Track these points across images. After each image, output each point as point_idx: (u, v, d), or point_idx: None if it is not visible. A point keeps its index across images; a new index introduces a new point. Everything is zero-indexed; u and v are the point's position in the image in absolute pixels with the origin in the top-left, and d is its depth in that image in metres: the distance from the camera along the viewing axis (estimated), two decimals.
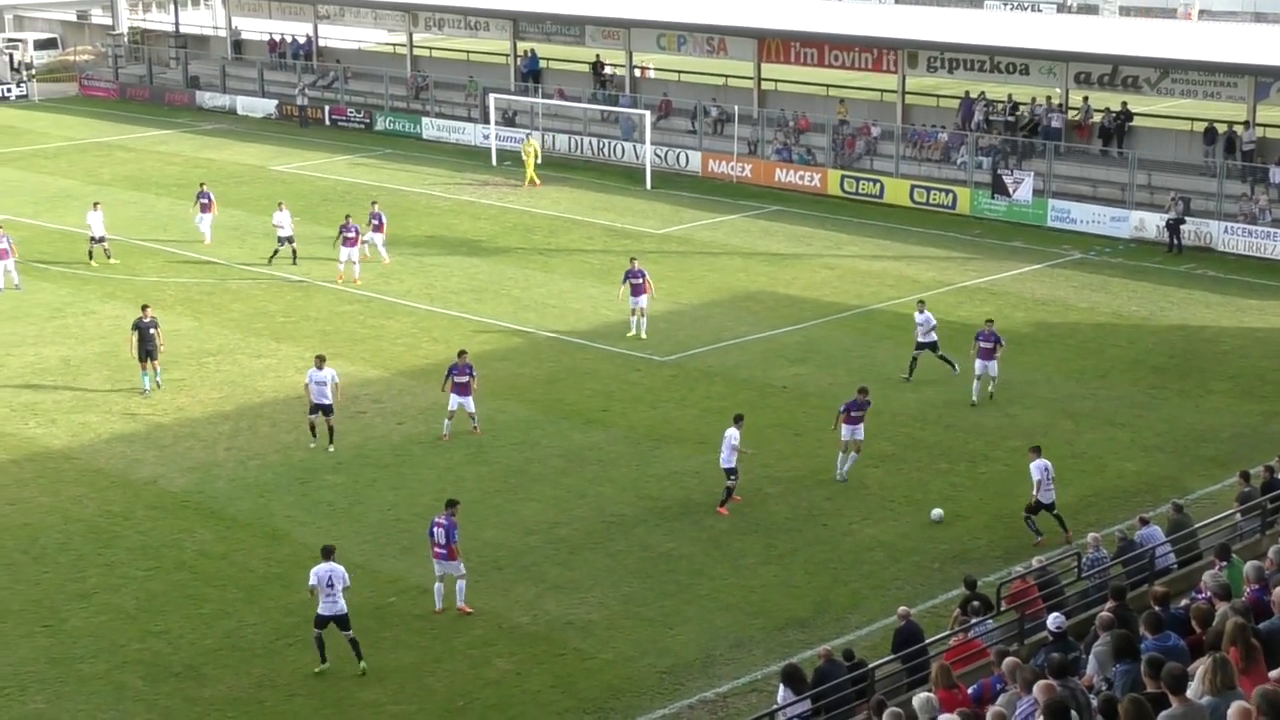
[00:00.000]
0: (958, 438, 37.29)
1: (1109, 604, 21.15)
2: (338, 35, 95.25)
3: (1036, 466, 31.10)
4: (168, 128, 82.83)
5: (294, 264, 52.87)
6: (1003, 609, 24.68)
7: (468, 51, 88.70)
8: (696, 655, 27.19)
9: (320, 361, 36.64)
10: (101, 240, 53.63)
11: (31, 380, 41.65)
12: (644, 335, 44.49)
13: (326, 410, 36.37)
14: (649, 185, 66.69)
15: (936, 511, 32.47)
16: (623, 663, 26.99)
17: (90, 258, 53.48)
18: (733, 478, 33.04)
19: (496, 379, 41.62)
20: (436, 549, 28.58)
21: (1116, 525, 30.19)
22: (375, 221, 53.57)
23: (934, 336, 41.03)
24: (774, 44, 71.31)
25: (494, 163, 71.50)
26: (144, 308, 41.32)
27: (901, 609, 24.82)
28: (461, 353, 37.69)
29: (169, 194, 65.17)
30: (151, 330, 40.47)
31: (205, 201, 56.63)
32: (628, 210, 62.57)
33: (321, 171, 70.46)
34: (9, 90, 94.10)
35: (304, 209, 62.00)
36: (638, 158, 70.14)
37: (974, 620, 24.01)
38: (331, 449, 36.27)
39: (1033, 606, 24.45)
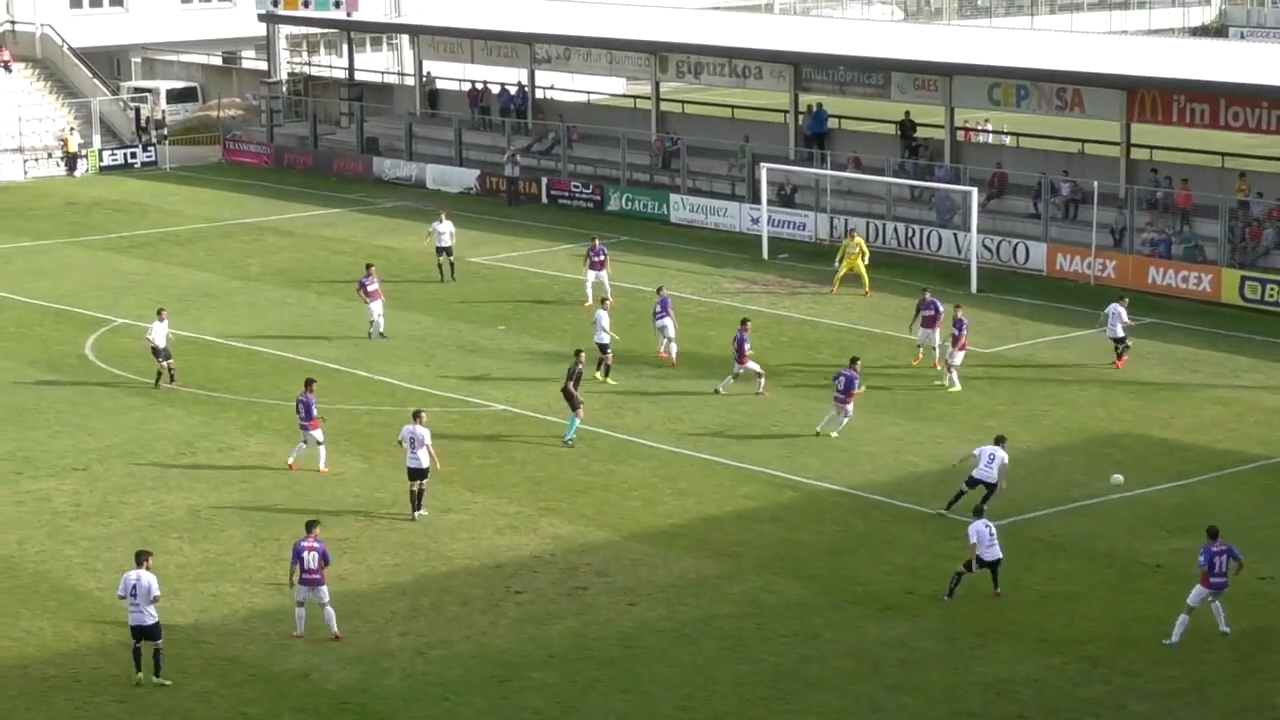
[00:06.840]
0: None
1: None
2: (561, 84, 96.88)
3: (974, 529, 38.33)
4: (335, 205, 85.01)
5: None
6: None
7: (732, 106, 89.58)
8: None
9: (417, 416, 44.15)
10: (165, 356, 54.11)
11: (151, 537, 42.44)
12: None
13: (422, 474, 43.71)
14: (974, 288, 66.49)
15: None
16: None
17: (156, 383, 54.32)
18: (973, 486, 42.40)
19: (763, 546, 41.60)
20: (307, 574, 35.84)
21: None
22: (599, 257, 64.34)
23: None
24: (1148, 97, 70.82)
25: (765, 255, 71.87)
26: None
27: None
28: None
29: (335, 292, 66.70)
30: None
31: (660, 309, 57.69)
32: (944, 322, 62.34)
33: (535, 265, 71.54)
34: (134, 155, 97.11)
35: (510, 314, 63.05)
36: (959, 250, 70.11)
37: None
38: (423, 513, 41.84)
39: None
